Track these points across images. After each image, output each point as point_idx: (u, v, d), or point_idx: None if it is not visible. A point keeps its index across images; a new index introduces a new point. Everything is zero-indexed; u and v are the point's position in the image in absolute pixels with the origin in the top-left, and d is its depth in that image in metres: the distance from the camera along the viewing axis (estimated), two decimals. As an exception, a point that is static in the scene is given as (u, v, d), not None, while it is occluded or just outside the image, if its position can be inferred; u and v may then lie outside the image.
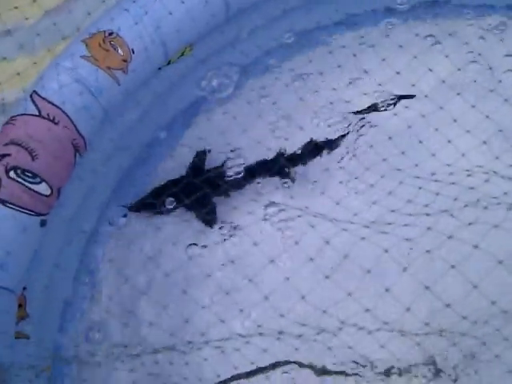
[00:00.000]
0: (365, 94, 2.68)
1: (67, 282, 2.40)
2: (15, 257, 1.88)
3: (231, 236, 2.42)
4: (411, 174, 2.45)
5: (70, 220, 2.32)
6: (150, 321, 2.32)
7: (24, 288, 1.98)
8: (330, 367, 2.26)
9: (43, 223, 1.99)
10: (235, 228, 2.44)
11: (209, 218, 2.45)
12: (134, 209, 2.50)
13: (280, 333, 2.24)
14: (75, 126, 2.06)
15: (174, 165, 2.69)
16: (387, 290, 2.13)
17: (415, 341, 2.19)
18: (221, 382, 2.26)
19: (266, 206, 2.44)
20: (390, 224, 2.29)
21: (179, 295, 2.33)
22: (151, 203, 2.42)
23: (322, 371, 2.24)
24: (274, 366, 2.26)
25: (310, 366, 2.26)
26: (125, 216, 2.53)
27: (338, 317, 2.19)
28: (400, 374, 2.20)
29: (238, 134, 2.69)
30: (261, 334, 2.25)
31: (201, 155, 2.62)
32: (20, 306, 1.98)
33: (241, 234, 2.41)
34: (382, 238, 2.25)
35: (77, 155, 2.10)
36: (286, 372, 2.27)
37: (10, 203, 1.85)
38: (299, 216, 2.38)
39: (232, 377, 2.24)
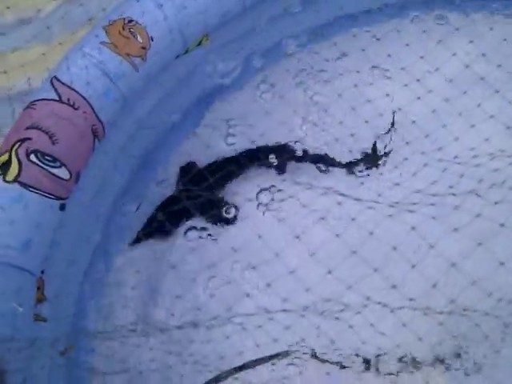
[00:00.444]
0: (388, 78, 2.70)
1: (85, 260, 2.38)
2: (36, 240, 1.88)
3: (262, 212, 2.42)
4: (434, 157, 2.47)
5: (88, 204, 2.31)
6: (176, 294, 2.31)
7: (42, 271, 1.99)
8: (347, 351, 2.23)
9: (62, 207, 2.00)
10: (266, 205, 2.45)
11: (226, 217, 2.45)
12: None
13: (304, 309, 2.24)
14: (94, 111, 2.07)
15: (192, 147, 2.68)
16: (413, 267, 2.14)
17: (438, 320, 2.19)
18: (234, 368, 2.24)
19: (294, 183, 2.45)
20: (415, 204, 2.31)
21: (206, 270, 2.33)
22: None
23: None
24: (287, 353, 2.24)
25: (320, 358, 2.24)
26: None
27: (362, 293, 2.19)
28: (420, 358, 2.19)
29: (260, 116, 2.70)
30: (285, 310, 2.25)
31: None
32: (38, 288, 1.98)
33: (269, 209, 2.42)
34: (408, 217, 2.27)
35: (95, 141, 2.11)
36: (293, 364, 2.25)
37: (31, 186, 1.86)
38: (324, 194, 2.39)
39: (243, 365, 2.22)
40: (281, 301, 2.25)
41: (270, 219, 2.38)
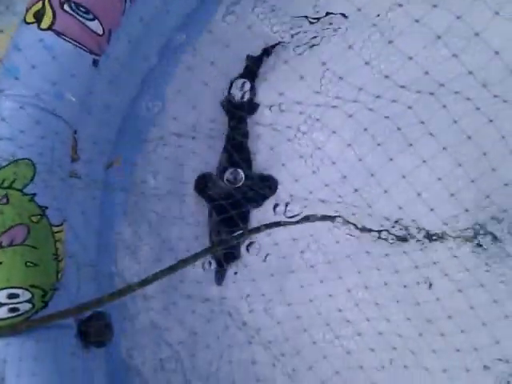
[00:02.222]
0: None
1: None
2: (71, 89, 1.92)
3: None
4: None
5: (120, 65, 2.29)
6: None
7: (75, 132, 2.05)
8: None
9: (95, 63, 2.01)
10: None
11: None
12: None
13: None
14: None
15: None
16: (444, 149, 2.07)
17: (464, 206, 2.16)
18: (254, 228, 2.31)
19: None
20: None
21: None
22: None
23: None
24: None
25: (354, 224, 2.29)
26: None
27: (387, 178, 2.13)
28: (446, 238, 2.23)
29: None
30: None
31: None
32: (72, 147, 2.06)
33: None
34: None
35: (127, 1, 2.07)
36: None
37: (65, 35, 1.86)
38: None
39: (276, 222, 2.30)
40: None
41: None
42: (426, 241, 2.26)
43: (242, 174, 2.34)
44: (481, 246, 2.25)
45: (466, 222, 2.18)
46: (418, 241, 2.27)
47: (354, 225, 2.27)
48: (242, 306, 2.24)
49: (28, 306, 1.72)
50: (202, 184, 2.37)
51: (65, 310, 1.74)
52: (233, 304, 2.25)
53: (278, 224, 2.23)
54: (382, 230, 2.28)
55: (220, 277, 2.30)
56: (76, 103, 1.98)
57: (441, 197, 1.90)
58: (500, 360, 1.98)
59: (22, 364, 1.65)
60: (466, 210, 1.93)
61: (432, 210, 1.87)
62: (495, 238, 2.25)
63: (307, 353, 2.13)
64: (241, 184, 2.33)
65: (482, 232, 2.25)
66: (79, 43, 1.92)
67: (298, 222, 2.23)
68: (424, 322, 2.03)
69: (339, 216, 2.28)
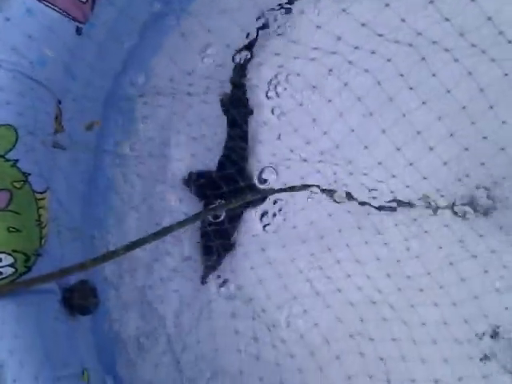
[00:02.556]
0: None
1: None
2: (52, 58, 1.91)
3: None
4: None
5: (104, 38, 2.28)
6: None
7: (59, 102, 2.05)
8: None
9: (79, 31, 2.01)
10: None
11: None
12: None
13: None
14: None
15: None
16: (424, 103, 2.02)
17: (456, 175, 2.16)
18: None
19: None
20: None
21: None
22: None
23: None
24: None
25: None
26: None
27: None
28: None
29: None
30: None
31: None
32: (56, 118, 2.05)
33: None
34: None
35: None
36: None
37: (47, 1, 1.85)
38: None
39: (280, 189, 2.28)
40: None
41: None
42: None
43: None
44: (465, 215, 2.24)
45: (447, 182, 2.14)
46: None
47: (334, 191, 2.26)
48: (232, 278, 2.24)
49: (11, 270, 1.71)
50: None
51: (48, 274, 1.72)
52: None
53: (264, 192, 2.23)
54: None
55: (206, 274, 2.27)
56: (59, 70, 1.97)
57: (421, 152, 1.89)
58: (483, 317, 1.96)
59: (4, 327, 1.64)
60: (445, 164, 1.90)
61: (411, 164, 1.86)
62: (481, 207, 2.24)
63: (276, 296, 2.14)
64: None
65: (466, 201, 2.25)
66: (62, 10, 1.91)
67: (281, 190, 2.22)
68: (404, 279, 2.02)
69: (317, 186, 2.27)
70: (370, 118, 1.86)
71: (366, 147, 1.89)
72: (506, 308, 1.96)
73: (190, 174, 2.33)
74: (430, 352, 1.95)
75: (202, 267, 2.28)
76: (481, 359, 1.97)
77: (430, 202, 2.22)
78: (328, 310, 2.08)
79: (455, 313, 1.93)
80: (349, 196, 2.19)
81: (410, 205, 2.21)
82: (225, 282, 2.18)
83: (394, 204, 2.25)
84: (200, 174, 2.32)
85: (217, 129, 2.32)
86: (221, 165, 2.31)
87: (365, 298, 2.06)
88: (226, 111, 2.38)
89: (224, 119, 2.33)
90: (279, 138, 2.15)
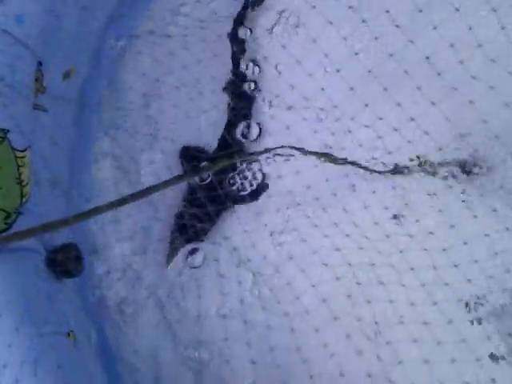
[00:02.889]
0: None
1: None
2: (31, 15, 1.87)
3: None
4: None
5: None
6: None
7: (40, 63, 2.01)
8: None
9: None
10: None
11: None
12: None
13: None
14: None
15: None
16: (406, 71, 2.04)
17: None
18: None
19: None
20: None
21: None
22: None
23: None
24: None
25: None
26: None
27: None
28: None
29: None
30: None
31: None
32: (37, 80, 2.02)
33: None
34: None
35: None
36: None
37: None
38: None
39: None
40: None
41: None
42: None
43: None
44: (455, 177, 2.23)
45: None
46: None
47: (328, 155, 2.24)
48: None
49: (-10, 226, 1.68)
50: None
51: (29, 229, 1.69)
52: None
53: (251, 154, 2.21)
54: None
55: (171, 254, 2.25)
56: (39, 27, 1.92)
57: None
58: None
59: (-18, 281, 1.61)
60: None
61: (396, 130, 1.86)
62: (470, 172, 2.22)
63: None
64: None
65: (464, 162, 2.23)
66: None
67: (266, 152, 2.21)
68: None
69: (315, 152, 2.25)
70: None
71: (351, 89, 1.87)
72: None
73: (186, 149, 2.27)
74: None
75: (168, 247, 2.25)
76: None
77: (426, 163, 2.20)
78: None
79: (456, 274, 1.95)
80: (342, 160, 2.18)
81: (408, 169, 2.20)
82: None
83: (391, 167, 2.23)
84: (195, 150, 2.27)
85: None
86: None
87: (363, 259, 2.07)
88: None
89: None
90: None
